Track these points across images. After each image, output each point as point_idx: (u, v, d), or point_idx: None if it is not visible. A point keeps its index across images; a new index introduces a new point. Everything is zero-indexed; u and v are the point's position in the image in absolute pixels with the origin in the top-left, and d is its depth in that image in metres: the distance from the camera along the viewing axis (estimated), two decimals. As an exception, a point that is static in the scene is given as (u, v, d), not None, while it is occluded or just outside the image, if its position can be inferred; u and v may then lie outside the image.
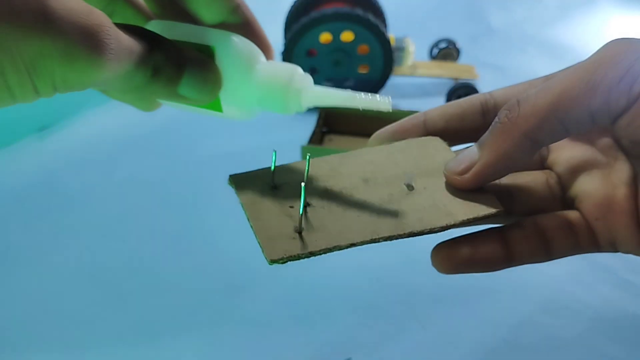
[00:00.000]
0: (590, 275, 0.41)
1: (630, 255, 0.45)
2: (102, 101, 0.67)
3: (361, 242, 0.25)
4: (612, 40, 0.24)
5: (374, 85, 0.65)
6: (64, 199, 0.51)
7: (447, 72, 0.73)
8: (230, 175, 0.27)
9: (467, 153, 0.26)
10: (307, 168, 0.26)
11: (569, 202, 0.28)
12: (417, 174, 0.28)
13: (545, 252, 0.27)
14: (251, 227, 0.25)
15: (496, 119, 0.25)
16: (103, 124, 0.64)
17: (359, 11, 0.62)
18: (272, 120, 0.62)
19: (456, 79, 0.72)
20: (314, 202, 0.26)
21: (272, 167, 0.26)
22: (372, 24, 0.62)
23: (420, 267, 0.42)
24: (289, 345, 0.35)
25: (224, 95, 0.26)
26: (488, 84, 0.72)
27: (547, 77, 0.27)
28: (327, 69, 0.65)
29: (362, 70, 0.65)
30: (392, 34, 0.69)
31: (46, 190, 0.52)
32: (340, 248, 0.24)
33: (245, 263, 0.43)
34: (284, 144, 0.55)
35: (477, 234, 0.27)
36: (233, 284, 0.41)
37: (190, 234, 0.46)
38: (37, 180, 0.53)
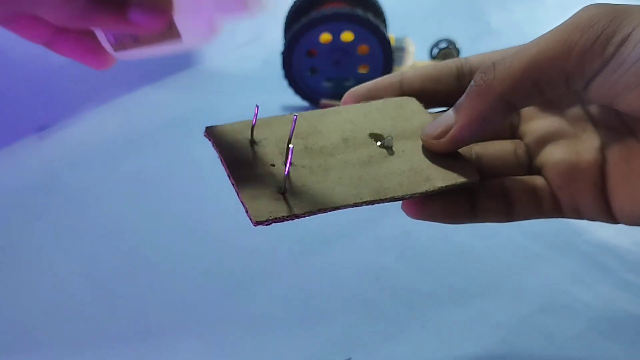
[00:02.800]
0: (590, 275, 0.41)
1: (630, 255, 0.45)
2: (102, 101, 0.67)
3: (344, 205, 0.25)
4: (586, 6, 0.24)
5: (374, 85, 0.65)
6: (64, 198, 0.51)
7: (447, 72, 0.73)
8: (207, 127, 0.26)
9: (444, 117, 0.27)
10: (292, 128, 0.26)
11: (535, 172, 0.29)
12: (395, 136, 0.28)
13: (508, 212, 0.28)
14: (233, 184, 0.24)
15: (472, 82, 0.26)
16: (103, 124, 0.64)
17: (359, 11, 0.62)
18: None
19: (456, 79, 0.72)
20: (295, 160, 0.26)
21: (254, 123, 0.26)
22: (372, 24, 0.62)
23: (420, 267, 0.42)
24: (289, 345, 0.35)
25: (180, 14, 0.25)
26: (488, 84, 0.72)
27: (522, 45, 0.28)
28: (327, 69, 0.65)
29: (362, 70, 0.65)
30: (392, 34, 0.69)
31: (46, 190, 0.52)
32: (324, 211, 0.24)
33: (245, 263, 0.43)
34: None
35: None
36: (233, 283, 0.41)
37: (190, 234, 0.46)
38: (37, 180, 0.53)
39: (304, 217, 0.24)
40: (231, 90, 0.72)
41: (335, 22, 0.62)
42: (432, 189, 0.26)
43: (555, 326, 0.36)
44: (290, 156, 0.24)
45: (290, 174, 0.25)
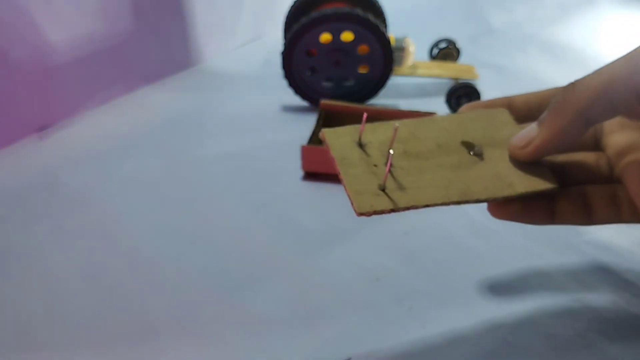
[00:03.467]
0: (590, 275, 0.41)
1: (630, 255, 0.45)
2: (102, 101, 0.67)
3: (434, 204, 0.28)
4: None
5: (374, 85, 0.65)
6: (64, 199, 0.51)
7: (447, 72, 0.73)
8: (323, 129, 0.30)
9: (528, 130, 0.30)
10: (393, 136, 0.29)
11: (615, 181, 0.32)
12: (484, 144, 0.31)
13: (587, 216, 0.31)
14: (341, 180, 0.28)
15: (553, 99, 0.28)
16: (103, 124, 0.64)
17: (359, 11, 0.62)
18: (271, 120, 0.62)
19: (456, 79, 0.72)
20: (394, 162, 0.29)
21: (362, 128, 0.30)
22: (372, 24, 0.62)
23: (420, 267, 0.42)
24: (289, 345, 0.35)
25: None
26: (488, 84, 0.73)
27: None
28: (327, 69, 0.65)
29: (362, 70, 0.65)
30: (392, 34, 0.69)
31: (46, 190, 0.52)
32: (416, 207, 0.27)
33: (245, 263, 0.43)
34: (283, 143, 0.55)
35: None
36: (233, 283, 0.41)
37: (189, 234, 0.46)
38: (37, 180, 0.53)
39: (400, 211, 0.27)
40: (231, 90, 0.72)
41: (335, 22, 0.62)
42: (513, 194, 0.29)
43: (555, 326, 0.36)
44: (390, 160, 0.27)
45: (390, 173, 0.28)
